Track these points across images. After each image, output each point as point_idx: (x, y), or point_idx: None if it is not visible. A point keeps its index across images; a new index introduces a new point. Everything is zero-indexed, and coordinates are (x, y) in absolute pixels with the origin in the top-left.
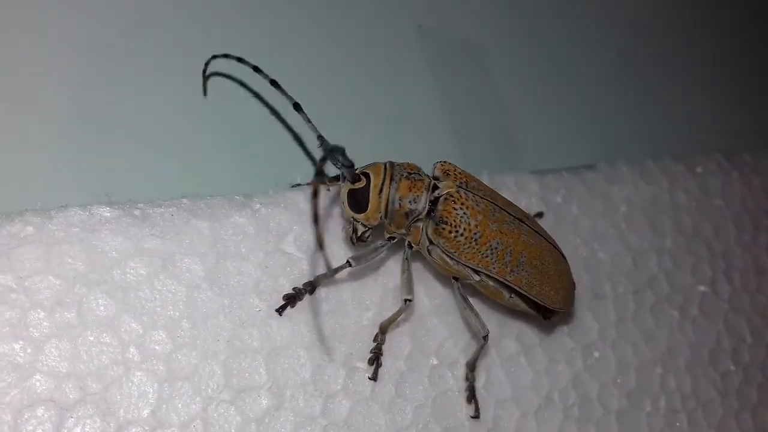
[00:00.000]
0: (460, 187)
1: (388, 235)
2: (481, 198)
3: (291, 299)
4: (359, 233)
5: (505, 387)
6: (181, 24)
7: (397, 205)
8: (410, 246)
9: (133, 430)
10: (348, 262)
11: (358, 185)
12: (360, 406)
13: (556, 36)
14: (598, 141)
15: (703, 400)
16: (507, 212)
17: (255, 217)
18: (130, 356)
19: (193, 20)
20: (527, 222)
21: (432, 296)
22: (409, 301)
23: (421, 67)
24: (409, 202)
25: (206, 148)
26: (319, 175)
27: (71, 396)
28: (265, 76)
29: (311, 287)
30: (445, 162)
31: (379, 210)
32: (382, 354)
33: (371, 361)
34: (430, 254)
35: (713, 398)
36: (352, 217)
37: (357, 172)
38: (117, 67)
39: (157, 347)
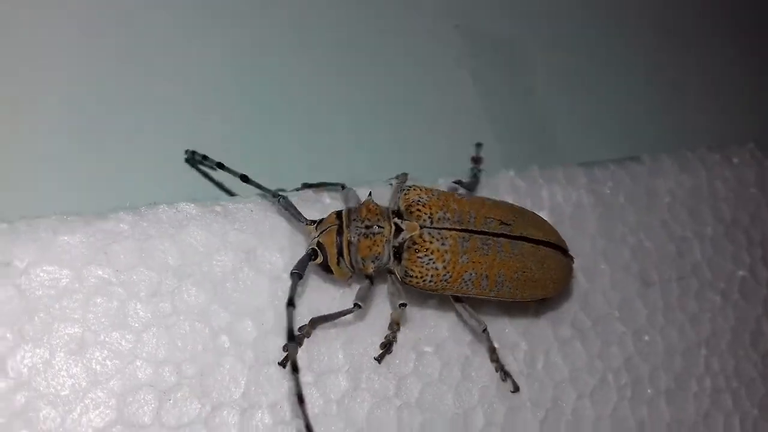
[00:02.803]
0: (423, 226)
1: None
2: (449, 230)
3: (293, 348)
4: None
5: (563, 369)
6: None
7: (360, 266)
8: (390, 272)
9: (226, 411)
10: (356, 305)
11: (317, 261)
12: (430, 387)
13: (595, 33)
14: (640, 133)
15: (746, 380)
16: (480, 233)
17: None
18: (221, 343)
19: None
20: (503, 230)
21: None
22: (404, 305)
23: (460, 66)
24: (372, 260)
25: (281, 148)
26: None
27: (169, 380)
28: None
29: (307, 333)
30: (409, 191)
31: (346, 272)
32: (394, 343)
33: (383, 346)
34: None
35: (754, 378)
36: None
37: (314, 245)
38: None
39: (245, 335)
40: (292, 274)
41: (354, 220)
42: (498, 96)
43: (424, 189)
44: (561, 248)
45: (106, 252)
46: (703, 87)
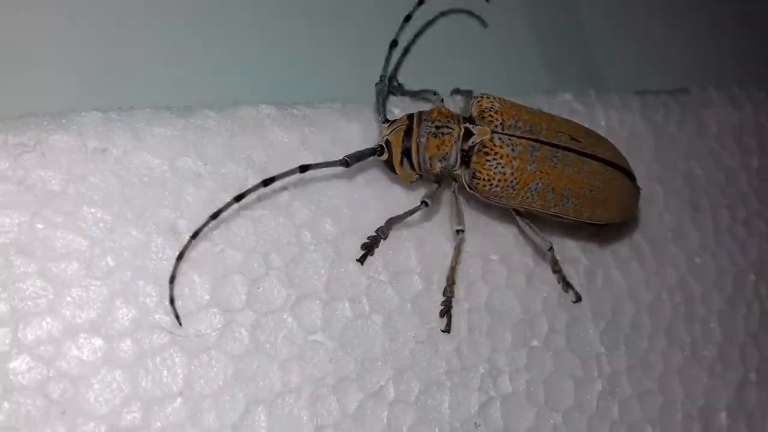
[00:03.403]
0: (494, 131)
1: (435, 181)
2: (519, 138)
3: (369, 248)
4: (411, 182)
5: (621, 285)
6: None
7: (428, 165)
8: (455, 179)
9: (310, 301)
10: (424, 202)
11: (383, 158)
12: (497, 293)
13: None
14: (688, 67)
15: None
16: (550, 145)
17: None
18: (304, 238)
19: None
20: (574, 146)
21: None
22: (461, 231)
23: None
24: (439, 160)
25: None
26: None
27: (257, 270)
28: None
29: (387, 233)
30: (482, 98)
31: (411, 174)
32: (452, 306)
33: (442, 314)
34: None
35: None
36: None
37: (381, 142)
38: None
39: (324, 231)
40: (343, 159)
41: (425, 120)
42: (549, 24)
43: (497, 98)
44: (629, 174)
45: (195, 145)
46: (752, 26)
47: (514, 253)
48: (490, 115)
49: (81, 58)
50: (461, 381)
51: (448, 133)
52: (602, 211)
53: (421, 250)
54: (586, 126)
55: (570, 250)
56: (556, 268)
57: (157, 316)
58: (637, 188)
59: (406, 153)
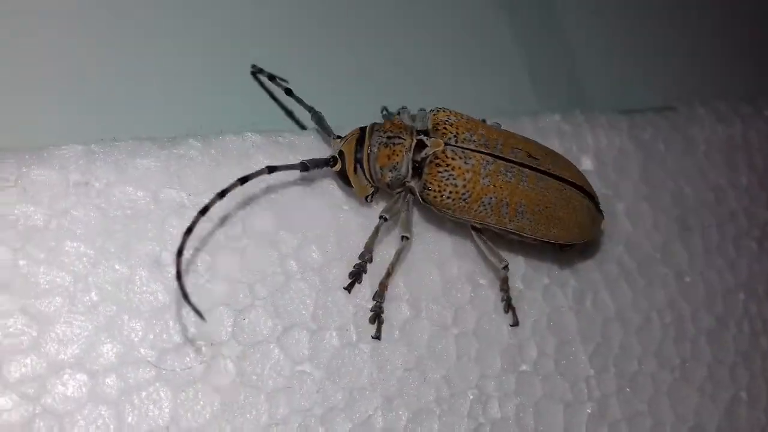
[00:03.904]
0: (448, 144)
1: (391, 192)
2: (473, 151)
3: (356, 275)
4: (364, 198)
5: (610, 306)
6: None
7: (378, 175)
8: (412, 192)
9: (297, 331)
10: (383, 217)
11: (336, 168)
12: (485, 317)
13: None
14: (674, 84)
15: None
16: (505, 160)
17: None
18: (290, 267)
19: None
20: (529, 163)
21: None
22: (407, 238)
23: (499, 15)
24: (390, 170)
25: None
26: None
27: (243, 300)
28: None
29: (369, 256)
30: (438, 111)
31: (365, 184)
32: (383, 312)
33: (372, 320)
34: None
35: None
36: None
37: (334, 153)
38: None
39: (310, 260)
40: (302, 162)
41: (377, 131)
42: (535, 43)
43: (453, 111)
44: (590, 196)
45: (179, 176)
46: (737, 39)
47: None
48: (445, 128)
49: (61, 90)
50: (450, 408)
51: (399, 143)
52: (559, 230)
53: (408, 277)
54: (569, 149)
55: (558, 272)
56: (504, 287)
57: (142, 351)
58: (600, 212)
59: (359, 162)
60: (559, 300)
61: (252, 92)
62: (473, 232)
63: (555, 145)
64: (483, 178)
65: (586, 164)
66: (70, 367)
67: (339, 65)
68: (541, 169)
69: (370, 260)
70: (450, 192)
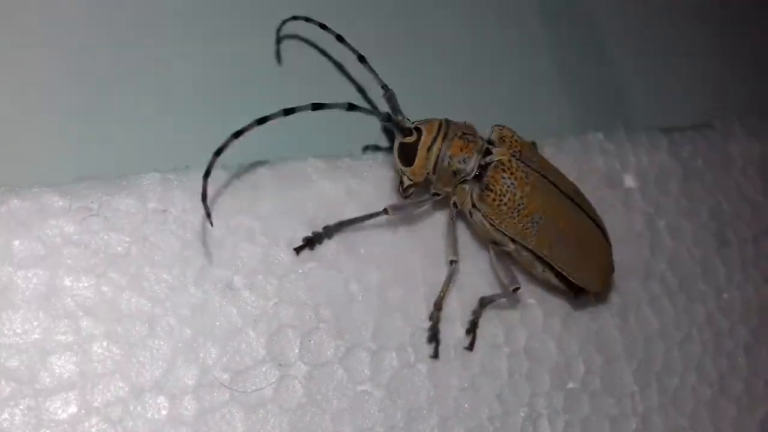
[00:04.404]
0: (513, 156)
1: (434, 191)
2: (533, 170)
3: (309, 242)
4: (404, 185)
5: (653, 323)
6: None
7: (446, 163)
8: (455, 206)
9: (359, 351)
10: (385, 209)
11: (409, 139)
12: (535, 336)
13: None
14: (709, 101)
15: None
16: (556, 187)
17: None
18: (352, 290)
19: None
20: (575, 199)
21: None
22: (455, 262)
23: (539, 32)
24: (459, 161)
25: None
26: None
27: (309, 323)
28: (331, 32)
29: (329, 233)
30: (503, 127)
31: (426, 167)
32: (439, 332)
33: (429, 340)
34: (471, 217)
35: None
36: (400, 169)
37: (411, 126)
38: None
39: (371, 283)
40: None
41: (454, 125)
42: (573, 61)
43: (513, 131)
44: (609, 244)
45: (248, 202)
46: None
47: (549, 297)
48: (510, 142)
49: (136, 120)
50: (503, 425)
51: (472, 141)
52: (585, 271)
53: (461, 297)
54: (611, 167)
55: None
56: (477, 311)
57: (216, 373)
58: (612, 265)
59: (434, 142)
60: (604, 318)
61: (311, 120)
62: (493, 253)
63: (599, 163)
64: (538, 196)
65: (628, 182)
66: (150, 390)
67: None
68: (581, 206)
69: (330, 237)
70: (508, 199)
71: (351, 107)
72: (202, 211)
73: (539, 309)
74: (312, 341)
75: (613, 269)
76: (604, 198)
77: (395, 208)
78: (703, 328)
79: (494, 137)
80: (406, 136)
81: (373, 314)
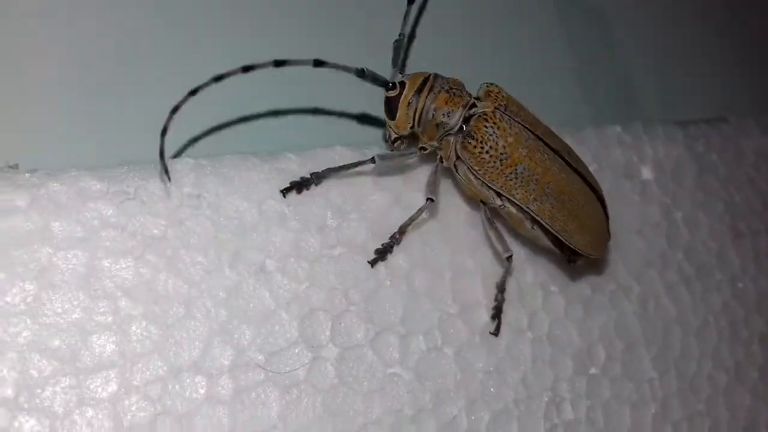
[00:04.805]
0: (497, 108)
1: (421, 145)
2: (517, 122)
3: (382, 254)
4: (391, 138)
5: (671, 311)
6: None
7: (430, 116)
8: (441, 161)
9: (388, 335)
10: (373, 158)
11: (391, 93)
12: (557, 323)
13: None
14: (723, 95)
15: None
16: (543, 142)
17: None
18: (380, 275)
19: None
20: (566, 156)
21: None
22: (432, 200)
23: (555, 26)
24: (443, 114)
25: None
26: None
27: (339, 306)
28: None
29: (397, 240)
30: (491, 84)
31: (408, 120)
32: (392, 251)
33: (379, 253)
34: (456, 171)
35: None
36: (386, 122)
37: (392, 80)
38: None
39: (398, 268)
40: (359, 68)
41: (441, 79)
42: (588, 56)
43: (501, 88)
44: (605, 209)
45: (279, 187)
46: None
47: (571, 284)
48: (497, 97)
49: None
50: (527, 409)
51: (458, 95)
52: (575, 228)
53: (486, 282)
54: (629, 159)
55: (623, 277)
56: (502, 288)
57: (251, 354)
58: (608, 231)
59: (417, 94)
60: (624, 305)
61: (340, 109)
62: (484, 215)
63: (617, 154)
64: (521, 148)
65: (646, 174)
66: (188, 370)
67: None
68: (573, 165)
69: (398, 242)
70: (490, 147)
71: (318, 63)
72: (235, 196)
73: (561, 296)
74: (342, 324)
75: (608, 235)
76: (622, 189)
77: (383, 157)
78: (719, 317)
79: (481, 93)
80: (388, 90)
81: (401, 299)
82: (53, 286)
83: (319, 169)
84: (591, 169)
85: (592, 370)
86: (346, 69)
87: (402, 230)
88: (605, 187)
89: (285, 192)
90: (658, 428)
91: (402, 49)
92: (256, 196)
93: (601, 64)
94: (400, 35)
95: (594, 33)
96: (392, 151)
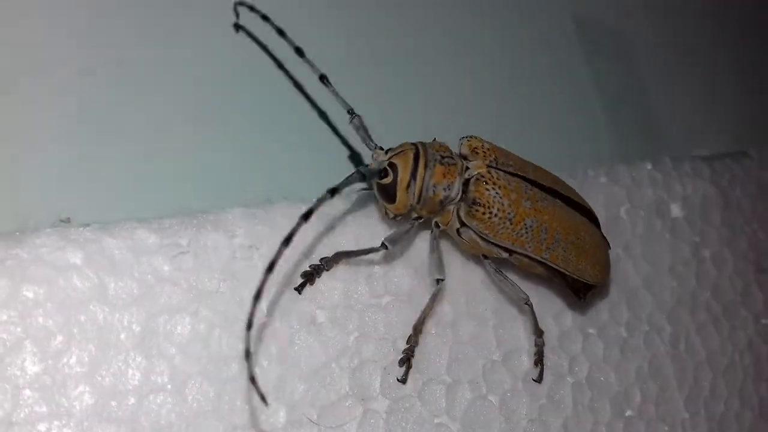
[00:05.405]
0: (490, 166)
1: (416, 215)
2: (512, 175)
3: (309, 277)
4: (390, 216)
5: (701, 351)
6: None
7: (431, 193)
8: (437, 225)
9: (435, 384)
10: (384, 244)
11: (386, 181)
12: (596, 366)
13: (699, 35)
14: (744, 128)
15: None
16: (539, 188)
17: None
18: (426, 324)
19: None
20: (558, 189)
21: (639, 269)
22: (441, 280)
23: (577, 60)
24: (443, 189)
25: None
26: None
27: (388, 356)
28: (291, 43)
29: (328, 265)
30: (471, 138)
31: (409, 201)
32: (413, 355)
33: (401, 362)
34: (460, 235)
35: None
36: (384, 205)
37: (384, 165)
38: None
39: (444, 316)
40: (357, 171)
41: (429, 148)
42: (611, 90)
43: (483, 139)
44: (598, 226)
45: (328, 235)
46: None
47: (609, 326)
48: (483, 152)
49: (219, 154)
50: None
51: (452, 164)
52: (586, 264)
53: (527, 327)
54: (660, 197)
55: (656, 317)
56: (538, 342)
57: (304, 410)
58: (607, 242)
59: (413, 177)
60: (657, 346)
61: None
62: (490, 267)
63: (648, 193)
64: (525, 201)
65: (675, 212)
66: (243, 429)
67: (427, 105)
68: (564, 194)
69: (329, 269)
70: (497, 210)
71: (362, 177)
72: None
73: (599, 339)
74: (391, 375)
75: (608, 258)
76: (654, 228)
77: (392, 241)
78: (745, 354)
79: (465, 151)
80: (382, 178)
81: (446, 347)
82: (109, 346)
83: (366, 215)
84: (623, 208)
85: (629, 413)
86: (351, 182)
87: (418, 329)
88: (639, 228)
89: (300, 289)
90: None
91: (361, 126)
92: (305, 246)
93: (626, 100)
94: (349, 113)
95: (617, 68)
96: (393, 218)
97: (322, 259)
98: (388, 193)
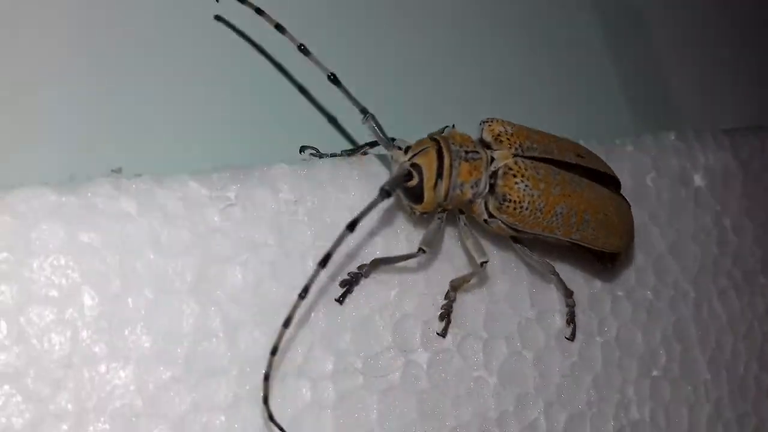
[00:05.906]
0: (516, 155)
1: (441, 209)
2: (540, 161)
3: (348, 285)
4: (417, 214)
5: (722, 316)
6: None
7: (458, 191)
8: (461, 212)
9: (473, 339)
10: (421, 249)
11: (411, 183)
12: (624, 327)
13: (721, 8)
14: (759, 103)
15: None
16: (566, 167)
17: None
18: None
19: None
20: (582, 163)
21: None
22: (485, 263)
23: (595, 35)
24: (471, 186)
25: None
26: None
27: (428, 311)
28: (293, 40)
29: (366, 272)
30: (493, 122)
31: (437, 200)
32: (452, 311)
33: (441, 317)
34: (487, 224)
35: None
36: (411, 206)
37: (407, 166)
38: None
39: (480, 273)
40: (381, 190)
41: (452, 144)
42: (630, 64)
43: (504, 121)
44: (619, 187)
45: (370, 194)
46: None
47: (636, 289)
48: (507, 139)
49: (262, 110)
50: (599, 411)
51: (477, 159)
52: (614, 238)
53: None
54: (683, 167)
55: (681, 282)
56: (569, 302)
57: (350, 359)
58: (627, 202)
59: (440, 176)
60: (681, 309)
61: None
62: (515, 245)
63: (673, 162)
64: (554, 188)
65: (697, 181)
66: (293, 375)
67: (445, 85)
68: (590, 167)
69: (367, 276)
70: (528, 203)
71: (387, 194)
72: (329, 202)
73: (627, 301)
74: (431, 329)
75: (633, 224)
76: (678, 196)
77: (428, 244)
78: (764, 320)
79: (487, 137)
80: (407, 181)
81: (483, 304)
82: (164, 292)
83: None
84: (649, 176)
85: (654, 373)
86: (374, 205)
87: (456, 287)
88: (665, 196)
89: (341, 299)
90: (711, 428)
91: (376, 125)
92: (351, 202)
93: (642, 73)
94: (362, 111)
95: (638, 42)
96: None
97: (360, 266)
98: (415, 195)
